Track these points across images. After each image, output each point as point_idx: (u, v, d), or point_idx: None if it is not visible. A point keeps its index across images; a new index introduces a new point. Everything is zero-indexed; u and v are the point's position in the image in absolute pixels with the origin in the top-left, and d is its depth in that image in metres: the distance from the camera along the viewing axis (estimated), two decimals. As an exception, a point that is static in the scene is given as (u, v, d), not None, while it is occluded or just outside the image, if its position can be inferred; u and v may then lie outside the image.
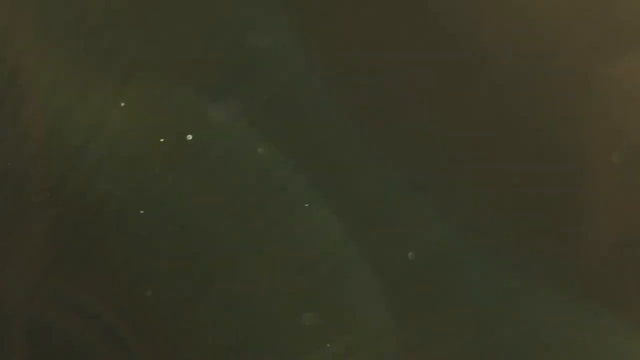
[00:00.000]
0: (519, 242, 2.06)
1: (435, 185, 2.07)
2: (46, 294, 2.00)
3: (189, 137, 1.99)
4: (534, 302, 2.04)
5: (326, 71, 2.10)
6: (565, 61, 2.07)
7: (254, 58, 2.08)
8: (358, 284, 2.04)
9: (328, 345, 2.00)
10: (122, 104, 2.04)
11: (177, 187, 2.04)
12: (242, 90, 2.07)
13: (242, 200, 2.05)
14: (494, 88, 2.08)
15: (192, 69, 2.07)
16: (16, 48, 2.05)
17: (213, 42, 2.09)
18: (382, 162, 2.07)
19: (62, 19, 2.07)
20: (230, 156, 2.06)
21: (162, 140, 2.04)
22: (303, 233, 2.04)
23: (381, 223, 2.06)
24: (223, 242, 2.03)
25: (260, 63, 2.08)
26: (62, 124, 2.03)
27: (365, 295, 2.04)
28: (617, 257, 2.05)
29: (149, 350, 1.99)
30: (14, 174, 2.02)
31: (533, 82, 2.08)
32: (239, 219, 2.04)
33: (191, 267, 2.02)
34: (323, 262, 2.03)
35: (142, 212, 2.02)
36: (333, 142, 2.08)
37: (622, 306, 2.05)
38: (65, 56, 2.05)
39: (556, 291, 2.04)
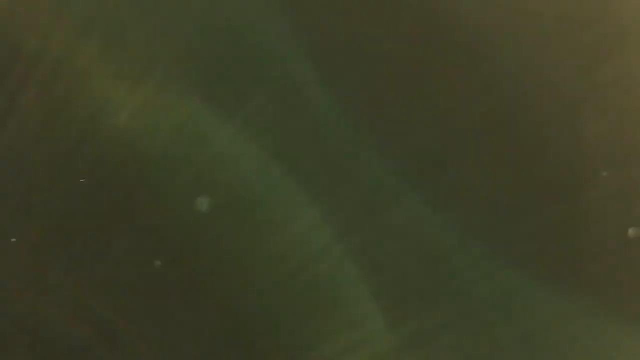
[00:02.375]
0: (515, 240, 2.06)
1: (431, 183, 2.07)
2: (46, 292, 2.00)
3: None
4: (532, 301, 2.05)
5: (322, 71, 2.09)
6: (565, 60, 2.08)
7: (252, 58, 2.08)
8: (353, 283, 2.04)
9: None
10: (120, 100, 2.03)
11: (175, 187, 2.03)
12: (239, 90, 2.07)
13: (237, 198, 2.04)
14: (493, 88, 2.08)
15: (190, 69, 2.07)
16: (16, 37, 2.03)
17: (212, 41, 2.08)
18: (379, 160, 2.07)
19: (60, 8, 2.05)
20: (224, 156, 2.05)
21: (158, 135, 2.03)
22: (298, 232, 2.04)
23: (376, 221, 2.06)
24: (218, 242, 2.02)
25: (258, 63, 2.08)
26: (60, 121, 2.02)
27: (360, 294, 2.04)
28: (617, 255, 2.06)
29: (149, 349, 1.99)
30: (12, 167, 2.01)
31: (533, 81, 2.08)
32: (234, 218, 2.03)
33: (190, 266, 2.02)
34: (318, 261, 2.03)
35: (138, 207, 2.01)
36: (329, 143, 2.08)
37: (621, 304, 2.06)
38: (66, 47, 2.04)
39: (554, 290, 2.05)
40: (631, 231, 2.02)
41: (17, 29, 2.03)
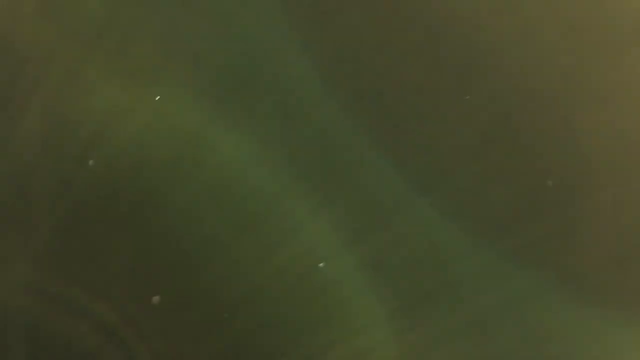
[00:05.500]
0: (524, 246, 2.05)
1: (438, 187, 2.07)
2: (48, 295, 2.00)
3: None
4: (542, 306, 2.03)
5: (327, 75, 2.10)
6: (566, 63, 2.08)
7: (260, 67, 2.09)
8: (361, 290, 2.03)
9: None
10: (126, 106, 2.05)
11: (181, 190, 2.04)
12: (247, 99, 2.08)
13: (246, 206, 2.05)
14: (496, 89, 2.08)
15: (197, 79, 2.09)
16: (22, 47, 2.06)
17: (220, 51, 2.10)
18: (385, 164, 2.07)
19: (68, 18, 2.08)
20: (232, 164, 2.06)
21: (165, 143, 2.05)
22: (306, 240, 2.04)
23: (385, 228, 2.05)
24: (226, 248, 2.02)
25: (267, 72, 2.09)
26: (67, 125, 2.04)
27: (369, 301, 2.03)
28: (620, 258, 2.05)
29: (151, 352, 1.99)
30: (19, 174, 2.03)
31: (535, 83, 2.09)
32: (240, 225, 2.04)
33: (194, 269, 2.02)
34: (326, 268, 2.03)
35: (145, 214, 2.02)
36: (337, 151, 2.08)
37: (625, 308, 2.04)
38: (71, 56, 2.06)
39: (564, 295, 2.03)
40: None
41: (25, 40, 2.06)
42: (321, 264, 2.01)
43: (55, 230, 2.02)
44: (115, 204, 2.03)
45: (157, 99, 2.05)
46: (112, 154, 2.03)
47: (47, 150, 2.03)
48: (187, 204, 2.03)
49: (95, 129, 2.04)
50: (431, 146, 2.08)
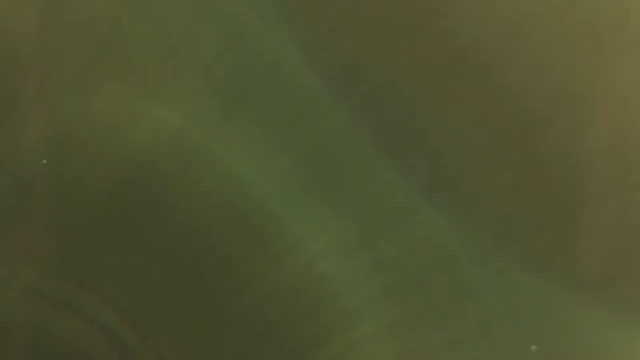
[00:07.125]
0: (534, 253, 2.04)
1: (446, 194, 2.06)
2: (52, 299, 2.01)
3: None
4: (553, 314, 2.03)
5: (334, 84, 2.10)
6: (567, 63, 2.08)
7: (266, 75, 2.09)
8: (368, 297, 2.03)
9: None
10: (128, 111, 2.04)
11: (188, 197, 2.04)
12: (253, 108, 2.08)
13: (249, 214, 2.05)
14: (508, 100, 2.07)
15: (202, 82, 2.08)
16: (23, 51, 2.06)
17: (222, 55, 2.10)
18: (393, 171, 2.07)
19: (73, 24, 2.08)
20: (240, 175, 2.06)
21: (170, 153, 2.05)
22: (313, 248, 2.04)
23: (392, 236, 2.05)
24: (233, 256, 2.03)
25: (273, 80, 2.09)
26: (68, 127, 2.04)
27: (375, 308, 2.03)
28: (629, 266, 2.05)
29: (157, 358, 1.99)
30: (24, 179, 2.03)
31: (535, 83, 2.08)
32: (246, 233, 2.04)
33: (200, 277, 2.02)
34: (331, 278, 2.03)
35: (151, 221, 2.02)
36: (345, 158, 2.08)
37: (634, 315, 2.04)
38: (75, 63, 2.06)
39: (574, 302, 2.03)
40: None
41: (28, 51, 2.06)
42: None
43: (60, 235, 2.02)
44: (120, 211, 2.03)
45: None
46: (117, 161, 2.03)
47: (51, 156, 2.03)
48: (194, 210, 2.04)
49: (99, 137, 2.04)
50: (440, 154, 2.07)
